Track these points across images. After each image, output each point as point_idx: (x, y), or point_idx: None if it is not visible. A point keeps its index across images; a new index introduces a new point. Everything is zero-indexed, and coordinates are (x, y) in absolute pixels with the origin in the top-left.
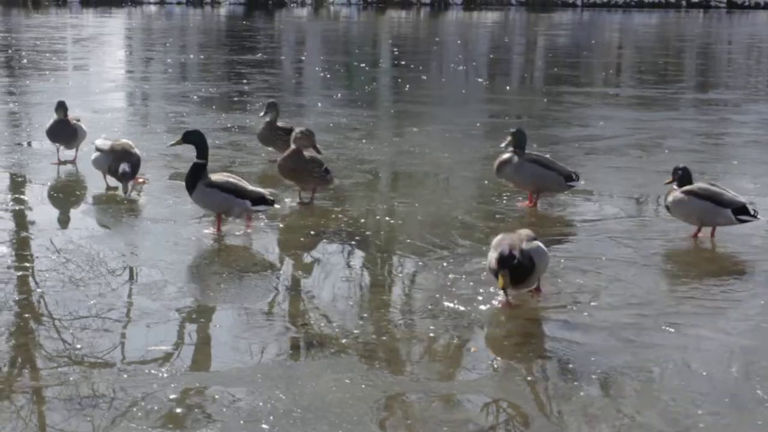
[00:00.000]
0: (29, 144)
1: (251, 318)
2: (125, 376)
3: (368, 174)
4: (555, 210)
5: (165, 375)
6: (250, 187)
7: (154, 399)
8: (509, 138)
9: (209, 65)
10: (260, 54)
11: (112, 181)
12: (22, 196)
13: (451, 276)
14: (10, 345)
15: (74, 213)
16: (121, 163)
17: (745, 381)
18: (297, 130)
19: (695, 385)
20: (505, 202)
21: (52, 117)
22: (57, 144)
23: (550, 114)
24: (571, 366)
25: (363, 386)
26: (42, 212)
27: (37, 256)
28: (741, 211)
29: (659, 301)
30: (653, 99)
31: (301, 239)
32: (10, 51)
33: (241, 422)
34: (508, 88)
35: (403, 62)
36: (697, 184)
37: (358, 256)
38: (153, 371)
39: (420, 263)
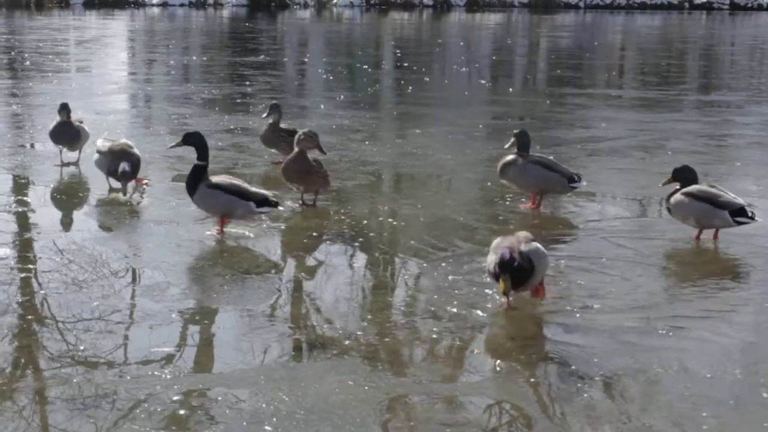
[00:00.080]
0: (32, 146)
1: (254, 319)
2: (128, 377)
3: (371, 176)
4: (558, 212)
5: (168, 376)
6: (253, 189)
7: (157, 400)
8: (512, 139)
9: (212, 67)
10: (263, 56)
11: (115, 183)
12: (25, 198)
13: (453, 278)
14: (13, 346)
15: (77, 214)
16: (120, 162)
17: (749, 383)
18: (300, 132)
19: (698, 388)
20: (508, 204)
21: (55, 119)
22: (60, 146)
23: (553, 115)
24: (573, 368)
25: (366, 388)
26: (45, 214)
27: (40, 257)
28: (738, 213)
29: (661, 303)
30: (656, 101)
31: (304, 241)
32: (13, 53)
33: (244, 424)
34: (510, 89)
35: (405, 64)
36: (697, 186)
37: (361, 258)
38: (156, 372)
39: (422, 265)
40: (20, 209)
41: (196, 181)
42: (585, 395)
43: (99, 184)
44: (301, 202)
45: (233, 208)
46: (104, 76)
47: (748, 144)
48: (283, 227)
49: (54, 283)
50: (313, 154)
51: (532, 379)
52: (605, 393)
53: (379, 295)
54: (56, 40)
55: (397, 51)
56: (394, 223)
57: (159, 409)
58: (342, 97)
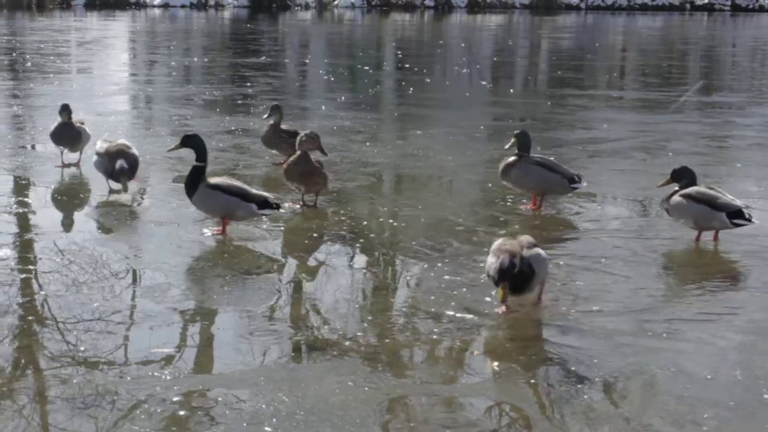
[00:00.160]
0: (33, 147)
1: (254, 320)
2: (128, 377)
3: (372, 177)
4: (558, 213)
5: (168, 377)
6: (255, 191)
7: (157, 401)
8: (513, 140)
9: (213, 68)
10: (264, 57)
11: (114, 185)
12: (25, 199)
13: (453, 279)
14: (14, 347)
15: (78, 216)
16: (117, 160)
17: (748, 384)
18: (302, 133)
19: (697, 389)
20: (508, 205)
21: (56, 120)
22: (61, 147)
23: (554, 117)
24: (572, 369)
25: (366, 389)
26: (46, 215)
27: (41, 258)
28: (736, 215)
29: (661, 305)
30: (657, 102)
31: (305, 242)
32: (14, 54)
33: (244, 424)
34: (511, 91)
35: (406, 65)
36: (695, 188)
37: (361, 259)
38: (156, 373)
39: (422, 266)
40: (21, 210)
41: (195, 181)
42: (584, 396)
43: (100, 186)
44: (301, 203)
45: (235, 209)
46: (105, 77)
47: (749, 145)
48: (283, 228)
49: (54, 284)
50: (314, 156)
51: (532, 381)
52: (604, 394)
53: (379, 296)
54: (57, 41)
55: (399, 52)
56: (395, 224)
57: (159, 410)
58: (343, 98)
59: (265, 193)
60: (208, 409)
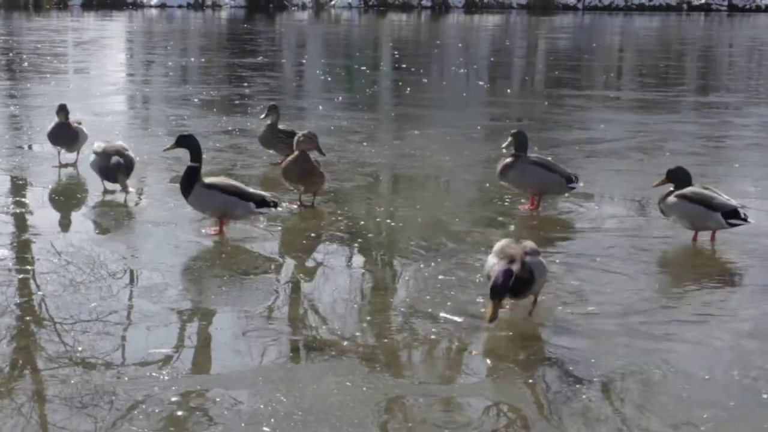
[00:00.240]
0: (30, 147)
1: (252, 321)
2: (126, 378)
3: (369, 177)
4: (556, 213)
5: (166, 377)
6: (252, 190)
7: (155, 401)
8: (510, 139)
9: (210, 68)
10: (261, 57)
11: (109, 186)
12: (23, 199)
13: (451, 279)
14: (11, 348)
15: (75, 216)
16: (113, 157)
17: (747, 385)
18: (300, 133)
19: (696, 389)
20: (506, 205)
21: (54, 120)
22: (58, 147)
23: (551, 117)
24: (570, 369)
25: (364, 389)
26: (43, 215)
27: (38, 258)
28: (732, 215)
29: (659, 305)
30: (654, 102)
31: (302, 242)
32: (11, 54)
33: (242, 425)
34: (508, 91)
35: (403, 65)
36: (691, 188)
37: (359, 259)
38: (154, 374)
39: (420, 266)
40: (18, 210)
41: (190, 181)
42: (582, 397)
43: (97, 186)
44: (299, 203)
45: (233, 208)
46: (102, 77)
47: (747, 145)
48: (281, 228)
49: (52, 285)
50: (312, 156)
51: (530, 381)
52: (602, 395)
53: (377, 296)
54: (54, 41)
55: (396, 52)
56: (392, 224)
57: (157, 410)
58: (340, 98)
59: (263, 192)
60: (206, 409)
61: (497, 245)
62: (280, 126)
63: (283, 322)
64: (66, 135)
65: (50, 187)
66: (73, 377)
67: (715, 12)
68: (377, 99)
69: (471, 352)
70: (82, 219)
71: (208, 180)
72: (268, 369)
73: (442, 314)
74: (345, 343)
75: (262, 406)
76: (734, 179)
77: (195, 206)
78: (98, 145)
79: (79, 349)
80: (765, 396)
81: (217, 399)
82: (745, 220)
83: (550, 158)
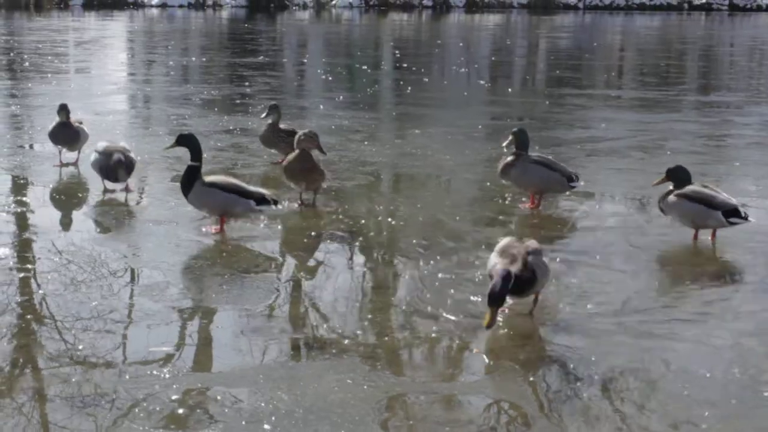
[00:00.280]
0: (31, 146)
1: (253, 319)
2: (127, 376)
3: (370, 176)
4: (557, 211)
5: (167, 376)
6: (252, 187)
7: (156, 400)
8: (510, 137)
9: (211, 68)
10: (262, 57)
11: (109, 185)
12: (24, 199)
13: (452, 278)
14: (12, 346)
15: (76, 215)
16: (114, 154)
17: (748, 383)
18: (300, 132)
19: (696, 388)
20: (507, 203)
21: (55, 119)
22: (59, 146)
23: (552, 116)
24: (571, 367)
25: (365, 387)
26: (44, 214)
27: (39, 257)
28: (732, 214)
29: (659, 303)
30: (655, 101)
31: (303, 240)
32: (12, 54)
33: (243, 423)
34: (509, 90)
35: (404, 65)
36: (691, 187)
37: (360, 258)
38: (155, 372)
39: (421, 265)
40: (19, 210)
41: (190, 180)
42: (582, 395)
43: (98, 185)
44: (299, 202)
45: (233, 206)
46: (103, 77)
47: (748, 144)
48: (282, 227)
49: (53, 283)
50: (313, 154)
51: (531, 379)
52: (603, 393)
53: (378, 294)
54: (55, 41)
55: (397, 52)
56: (393, 223)
57: (158, 409)
58: (341, 97)
59: (263, 190)
60: (207, 407)
61: (500, 244)
62: (281, 125)
63: (284, 321)
64: (67, 134)
65: (51, 186)
66: (74, 376)
67: (715, 11)
68: (378, 98)
69: (471, 350)
70: (83, 218)
71: (208, 178)
72: (269, 367)
73: (442, 313)
74: (346, 341)
75: (263, 404)
76: (735, 178)
77: (195, 204)
78: (100, 145)
79: (80, 347)
80: (766, 395)
81: (218, 397)
82: (745, 218)
83: (550, 157)
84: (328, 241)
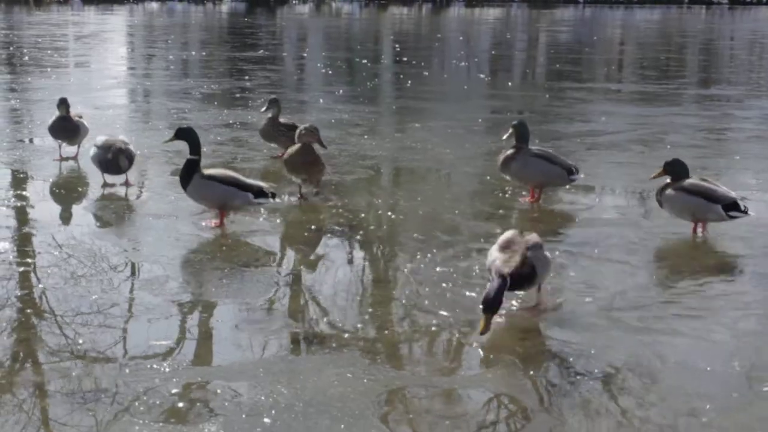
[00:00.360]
0: (31, 141)
1: (253, 313)
2: (127, 370)
3: (370, 170)
4: (557, 205)
5: (167, 370)
6: (250, 180)
7: (156, 393)
8: (510, 130)
9: (211, 62)
10: (262, 51)
11: (109, 179)
12: (23, 193)
13: (452, 271)
14: (12, 340)
15: (76, 209)
16: (114, 147)
17: (748, 377)
18: (301, 126)
19: (696, 381)
20: (507, 197)
21: (54, 114)
22: (59, 140)
23: (552, 109)
24: (570, 361)
25: (365, 381)
26: (44, 208)
27: (39, 252)
28: (732, 207)
29: (659, 297)
30: (655, 95)
31: (303, 234)
32: (12, 48)
33: (243, 416)
34: (509, 84)
35: (404, 58)
36: (690, 180)
37: (360, 252)
38: (155, 366)
39: (421, 259)
40: (19, 204)
41: (189, 173)
42: (584, 388)
43: (98, 179)
44: (299, 195)
45: (231, 199)
46: (103, 71)
47: (748, 138)
48: (281, 221)
49: (53, 278)
50: (314, 148)
51: (531, 372)
52: (603, 387)
53: (378, 288)
54: (55, 35)
55: (397, 46)
56: (393, 216)
57: (158, 402)
58: (341, 91)
59: (261, 183)
60: (207, 401)
61: (501, 238)
62: (281, 119)
63: (284, 315)
64: (67, 128)
65: (51, 180)
66: (74, 370)
67: (716, 5)
68: (378, 92)
69: (471, 344)
70: (82, 212)
71: (206, 171)
72: (268, 361)
73: (442, 306)
74: (346, 335)
75: (263, 398)
76: (735, 172)
77: (194, 197)
78: (99, 139)
79: (80, 341)
80: (766, 389)
81: (218, 391)
82: (745, 212)
83: (550, 150)
84: (328, 235)
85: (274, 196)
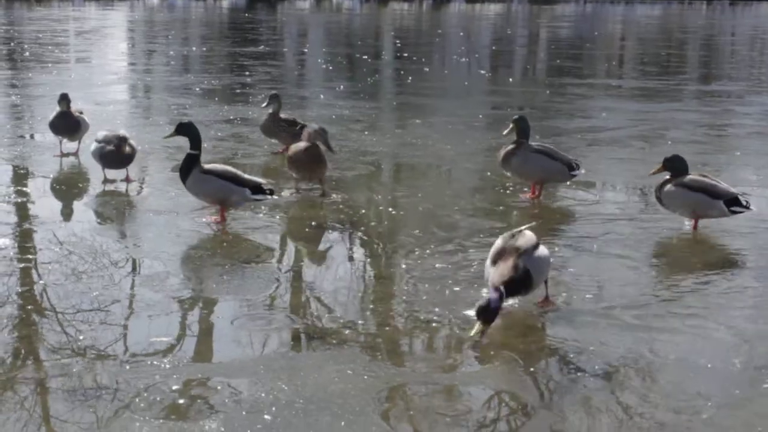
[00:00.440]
0: (32, 136)
1: (253, 309)
2: (128, 367)
3: (371, 166)
4: (558, 201)
5: (167, 366)
6: (248, 176)
7: (156, 390)
8: (511, 125)
9: (211, 58)
10: (262, 46)
11: (109, 174)
12: (24, 189)
13: (453, 268)
14: (13, 337)
15: (77, 205)
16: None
17: (749, 373)
18: (311, 126)
19: (697, 377)
20: (508, 193)
21: (55, 109)
22: (60, 136)
23: (553, 105)
24: (571, 357)
25: (365, 377)
26: (44, 204)
27: (40, 248)
28: (733, 203)
29: (660, 293)
30: (656, 91)
31: (304, 231)
32: (12, 44)
33: (244, 413)
34: (510, 79)
35: (405, 54)
36: (689, 177)
37: (360, 248)
38: (155, 362)
39: (422, 255)
40: (20, 200)
41: (189, 167)
42: (584, 384)
43: (99, 175)
44: (295, 189)
45: (229, 194)
46: (104, 66)
47: (748, 134)
48: (282, 217)
49: (53, 274)
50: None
51: (531, 369)
52: (604, 382)
53: (379, 285)
54: (56, 31)
55: (397, 41)
56: (394, 212)
57: (159, 399)
58: (342, 87)
59: (259, 179)
60: (208, 397)
61: (492, 249)
62: (282, 115)
63: (285, 311)
64: (68, 124)
65: (52, 176)
66: (75, 366)
67: (717, 1)
68: (379, 88)
69: (472, 340)
70: (83, 208)
71: (206, 166)
72: (269, 358)
73: (442, 303)
74: (346, 331)
75: (263, 395)
76: (736, 167)
77: (192, 191)
78: (99, 134)
79: (81, 338)
80: (766, 386)
81: (219, 387)
82: (747, 207)
83: (551, 146)
84: (329, 231)
85: (272, 192)
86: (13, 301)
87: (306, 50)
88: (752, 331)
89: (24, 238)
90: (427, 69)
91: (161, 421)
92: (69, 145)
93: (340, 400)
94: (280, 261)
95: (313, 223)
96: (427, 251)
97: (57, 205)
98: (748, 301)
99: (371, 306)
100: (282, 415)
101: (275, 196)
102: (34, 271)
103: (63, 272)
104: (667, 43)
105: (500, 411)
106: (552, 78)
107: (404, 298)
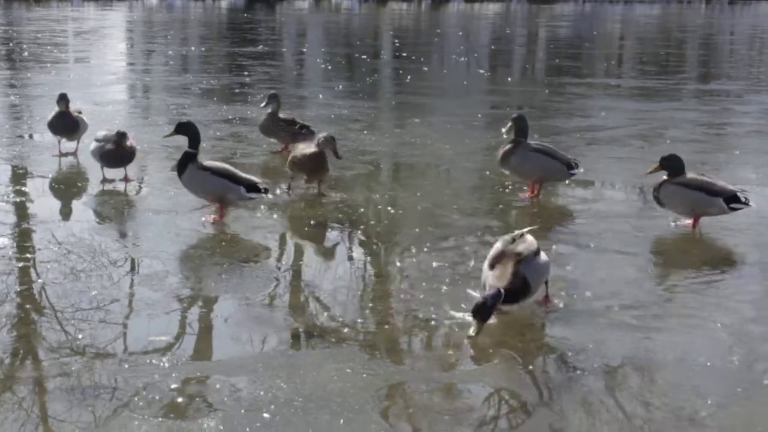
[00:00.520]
0: (31, 136)
1: (252, 308)
2: (127, 366)
3: (369, 165)
4: (556, 200)
5: (166, 365)
6: (243, 174)
7: (155, 389)
8: (510, 124)
9: (210, 57)
10: (261, 46)
11: (108, 174)
12: (23, 188)
13: (452, 267)
14: (12, 336)
15: (75, 205)
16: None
17: (748, 371)
18: (321, 135)
19: (696, 376)
20: (507, 192)
21: (54, 109)
22: (58, 136)
23: (552, 105)
24: (570, 355)
25: (364, 375)
26: (43, 204)
27: (39, 247)
28: (732, 200)
29: (659, 292)
30: (655, 90)
31: (303, 230)
32: (11, 44)
33: (243, 411)
34: (509, 79)
35: (404, 54)
36: (687, 175)
37: (359, 247)
38: (154, 361)
39: (421, 254)
40: (18, 199)
41: (185, 163)
42: (583, 383)
43: (98, 174)
44: (287, 187)
45: (224, 191)
46: (103, 66)
47: (747, 132)
48: (281, 216)
49: (52, 273)
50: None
51: (530, 367)
52: (603, 381)
53: (378, 283)
54: (54, 31)
55: (396, 41)
56: (393, 212)
57: (158, 397)
58: (341, 86)
59: (254, 178)
60: (207, 396)
61: (491, 252)
62: (281, 114)
63: (284, 310)
64: (66, 124)
65: (51, 176)
66: (74, 365)
67: (716, 0)
68: (378, 87)
69: (471, 338)
70: (82, 208)
71: (203, 163)
72: (268, 356)
73: (441, 301)
74: (345, 330)
75: (262, 393)
76: (735, 166)
77: (188, 187)
78: (99, 134)
79: (80, 337)
80: (766, 382)
81: (218, 386)
82: (746, 203)
83: (550, 146)
84: (328, 230)
85: (267, 191)
86: (12, 300)
87: (305, 50)
88: (751, 330)
89: (23, 238)
90: (426, 68)
91: (160, 419)
92: (68, 145)
93: (339, 399)
94: (279, 260)
95: (312, 222)
96: (426, 250)
97: (56, 204)
98: (747, 299)
99: (370, 304)
100: (281, 414)
101: (270, 195)
102: (32, 270)
103: (62, 271)
104: (666, 43)
105: (499, 409)
106: (551, 77)
107: (403, 296)
